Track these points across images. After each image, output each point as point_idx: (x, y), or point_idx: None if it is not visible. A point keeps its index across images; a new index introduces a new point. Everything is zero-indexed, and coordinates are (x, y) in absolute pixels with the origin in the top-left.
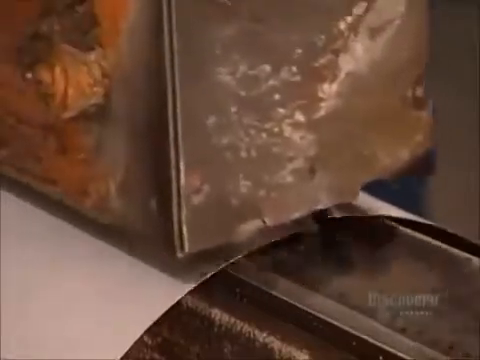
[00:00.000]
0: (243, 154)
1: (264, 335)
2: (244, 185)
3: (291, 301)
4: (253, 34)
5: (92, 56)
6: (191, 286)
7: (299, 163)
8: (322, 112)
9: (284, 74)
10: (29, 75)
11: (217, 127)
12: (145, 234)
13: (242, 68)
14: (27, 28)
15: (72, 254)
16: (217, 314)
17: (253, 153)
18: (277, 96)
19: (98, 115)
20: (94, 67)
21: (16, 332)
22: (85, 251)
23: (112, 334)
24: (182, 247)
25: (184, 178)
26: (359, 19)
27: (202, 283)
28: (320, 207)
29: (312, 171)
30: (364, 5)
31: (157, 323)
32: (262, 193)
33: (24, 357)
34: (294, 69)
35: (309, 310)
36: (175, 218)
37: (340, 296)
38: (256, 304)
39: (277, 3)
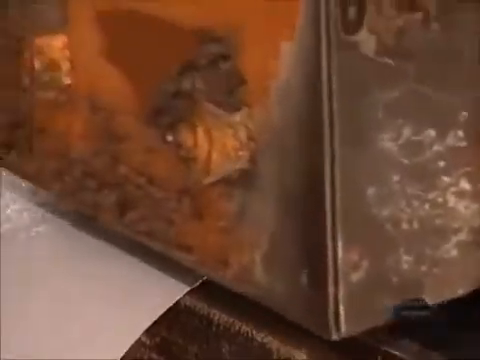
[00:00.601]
0: (405, 226)
1: (262, 335)
2: (405, 260)
3: None
4: (418, 96)
5: (237, 117)
6: (190, 287)
7: (463, 235)
8: None
9: (450, 139)
10: (170, 137)
11: (378, 197)
12: (293, 311)
13: (406, 133)
14: (167, 86)
15: (72, 254)
16: (215, 314)
17: (415, 225)
18: (442, 163)
19: (242, 180)
20: (240, 129)
21: (16, 332)
22: (85, 251)
23: (112, 334)
24: (338, 329)
25: (342, 252)
26: None
27: (201, 283)
28: None
29: (478, 243)
30: None
31: (155, 323)
32: (424, 268)
33: (24, 357)
34: (460, 133)
35: None
36: (331, 296)
37: None
38: (254, 304)
39: (445, 62)
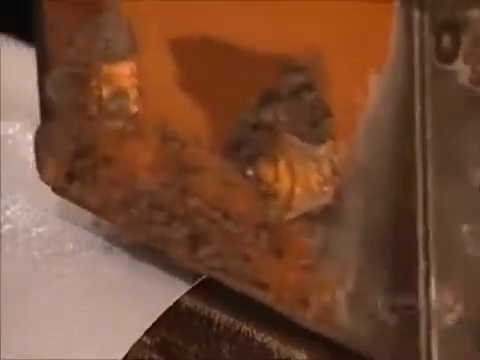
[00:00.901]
0: None
1: (262, 335)
2: None
3: None
4: None
5: (322, 150)
6: (190, 286)
7: None
8: None
9: None
10: (250, 172)
11: (472, 236)
12: (381, 356)
13: None
14: (246, 117)
15: (72, 255)
16: (216, 314)
17: None
18: None
19: (325, 215)
20: (324, 163)
21: (16, 332)
22: (85, 252)
23: (112, 334)
24: None
25: (435, 293)
26: None
27: (201, 282)
28: None
29: None
30: None
31: (156, 323)
32: None
33: (24, 357)
34: None
35: None
36: (422, 341)
37: None
38: (255, 304)
39: None
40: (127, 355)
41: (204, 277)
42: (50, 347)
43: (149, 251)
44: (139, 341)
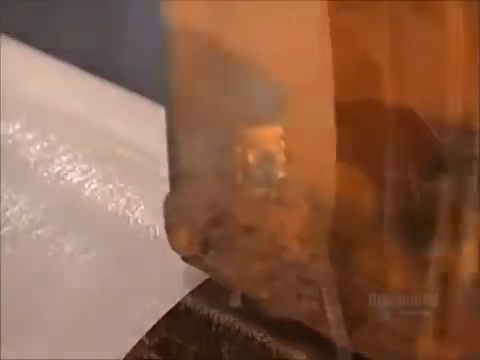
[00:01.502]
0: None
1: (262, 335)
2: None
3: None
4: None
5: None
6: (190, 289)
7: None
8: None
9: None
10: (428, 250)
11: None
12: None
13: None
14: (415, 187)
15: (72, 257)
16: (215, 313)
17: None
18: None
19: None
20: None
21: (16, 332)
22: (86, 253)
23: (113, 335)
24: None
25: None
26: None
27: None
28: None
29: None
30: None
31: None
32: None
33: (24, 357)
34: None
35: None
36: None
37: None
38: (254, 303)
39: None
40: (127, 356)
41: (205, 279)
42: (50, 347)
43: None
44: (139, 341)
